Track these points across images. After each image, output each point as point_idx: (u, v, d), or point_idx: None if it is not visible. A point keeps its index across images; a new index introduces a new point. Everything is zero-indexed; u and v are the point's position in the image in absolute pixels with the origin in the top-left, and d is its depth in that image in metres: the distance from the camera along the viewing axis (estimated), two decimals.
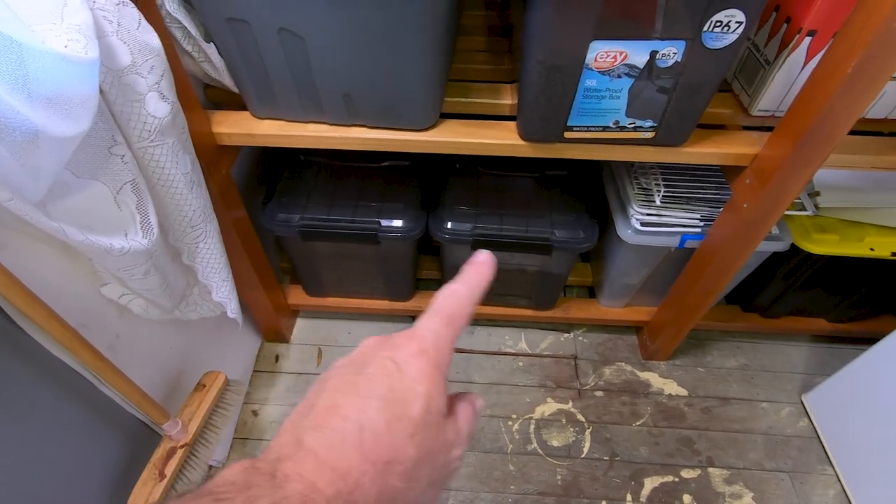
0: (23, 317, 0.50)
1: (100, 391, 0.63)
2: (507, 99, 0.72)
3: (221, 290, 0.72)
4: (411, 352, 0.24)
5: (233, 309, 0.74)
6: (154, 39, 0.52)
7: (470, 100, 0.73)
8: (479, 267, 0.27)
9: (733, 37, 0.55)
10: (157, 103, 0.54)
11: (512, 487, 0.89)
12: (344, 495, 0.20)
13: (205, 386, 0.73)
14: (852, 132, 0.70)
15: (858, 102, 0.56)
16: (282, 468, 0.20)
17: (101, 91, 0.49)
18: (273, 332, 1.05)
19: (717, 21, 0.54)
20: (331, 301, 1.06)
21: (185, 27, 0.60)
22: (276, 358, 1.05)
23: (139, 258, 0.53)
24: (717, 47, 0.56)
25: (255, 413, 0.96)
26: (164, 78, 0.54)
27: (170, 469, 0.65)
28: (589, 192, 0.92)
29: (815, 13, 0.60)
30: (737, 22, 0.54)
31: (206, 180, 0.69)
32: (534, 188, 0.92)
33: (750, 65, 0.71)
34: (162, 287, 0.61)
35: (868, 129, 0.72)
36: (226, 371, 0.80)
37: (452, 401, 0.26)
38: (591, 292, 1.12)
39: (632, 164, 0.88)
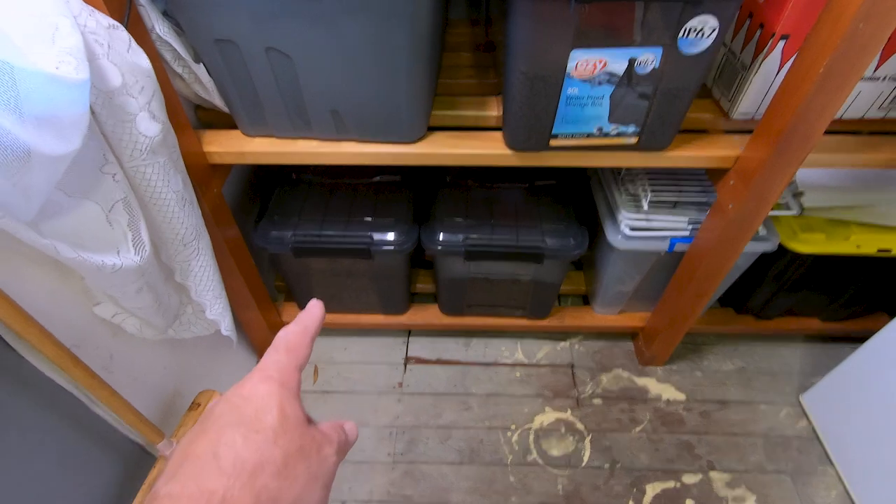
0: (13, 335, 0.50)
1: (93, 412, 0.62)
2: (493, 111, 0.73)
3: (215, 307, 0.72)
4: (255, 381, 0.26)
5: (227, 326, 0.74)
6: (144, 61, 0.53)
7: (457, 112, 0.74)
8: (310, 309, 0.31)
9: (708, 42, 0.57)
10: (148, 123, 0.55)
11: (513, 499, 0.88)
12: None
13: (199, 405, 0.73)
14: (831, 132, 0.72)
15: (832, 102, 0.58)
16: None
17: (93, 111, 0.49)
18: None
19: (691, 27, 0.55)
20: (326, 318, 1.06)
21: (175, 49, 0.61)
22: None
23: (131, 275, 0.54)
24: (694, 53, 0.58)
25: None
26: (154, 98, 0.55)
27: None
28: (578, 200, 0.94)
29: (786, 18, 0.62)
30: (710, 28, 0.55)
31: (197, 199, 0.70)
32: (523, 198, 0.93)
33: (728, 70, 0.73)
34: (155, 305, 0.61)
35: (847, 130, 0.73)
36: (221, 391, 0.79)
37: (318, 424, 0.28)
38: (586, 300, 1.12)
39: (619, 171, 0.90)
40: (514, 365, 1.06)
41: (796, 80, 0.59)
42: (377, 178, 0.97)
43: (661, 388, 1.02)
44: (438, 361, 1.07)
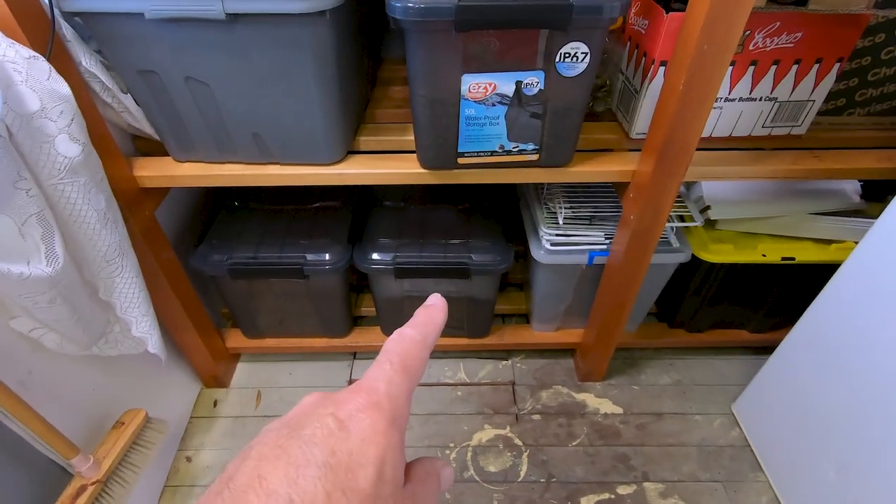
0: None
1: (7, 428, 0.63)
2: (413, 135, 0.79)
3: (141, 324, 0.74)
4: (359, 405, 0.20)
5: (154, 344, 0.76)
6: (64, 87, 0.58)
7: (380, 138, 0.80)
8: (429, 310, 0.25)
9: (583, 66, 0.63)
10: (68, 144, 0.59)
11: None
12: None
13: (123, 423, 0.74)
14: (725, 149, 0.78)
15: (697, 116, 0.64)
16: None
17: (10, 132, 0.54)
18: (212, 377, 1.06)
19: (565, 53, 0.62)
20: (270, 342, 1.08)
21: (103, 81, 0.66)
22: (215, 403, 1.05)
23: (42, 285, 0.56)
24: (572, 75, 0.64)
25: (188, 459, 0.95)
26: (74, 122, 0.59)
27: None
28: (508, 220, 0.99)
29: (661, 46, 0.69)
30: (582, 53, 0.62)
31: (127, 220, 0.73)
32: (455, 219, 0.98)
33: (626, 95, 0.80)
34: (73, 319, 0.63)
35: (743, 146, 0.79)
36: (159, 414, 0.80)
37: (410, 467, 0.22)
38: (528, 320, 1.15)
39: (541, 189, 0.95)
40: (455, 384, 1.08)
41: (665, 97, 0.65)
42: (317, 204, 1.01)
43: (599, 402, 1.04)
44: None
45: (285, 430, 0.19)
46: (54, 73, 0.57)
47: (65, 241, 0.61)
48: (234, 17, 0.57)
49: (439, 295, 0.25)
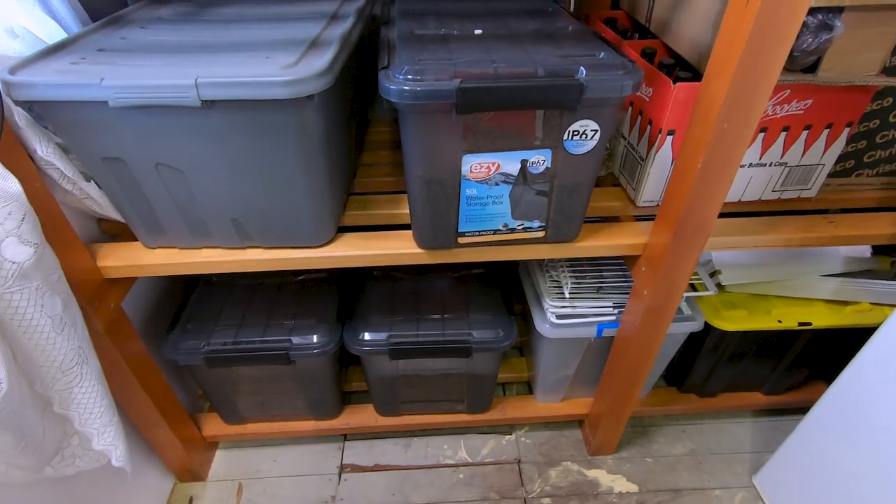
0: None
1: None
2: (407, 208, 0.73)
3: (104, 436, 0.65)
4: None
5: (119, 457, 0.66)
6: (13, 185, 0.50)
7: (370, 212, 0.74)
8: None
9: (592, 143, 0.59)
10: (16, 248, 0.51)
11: None
12: None
13: None
14: (735, 214, 0.75)
15: (716, 192, 0.60)
16: None
17: None
18: (186, 471, 0.95)
19: (574, 131, 0.57)
20: (251, 428, 0.98)
21: (61, 169, 0.59)
22: (190, 501, 0.94)
23: None
24: (581, 153, 0.59)
25: None
26: (25, 221, 0.52)
27: None
28: (508, 287, 0.93)
29: (669, 116, 0.65)
30: (592, 130, 0.58)
31: (90, 316, 0.65)
32: (451, 288, 0.92)
33: (629, 161, 0.76)
34: (18, 446, 0.54)
35: (751, 211, 0.76)
36: None
37: None
38: (531, 388, 1.09)
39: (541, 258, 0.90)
40: (457, 465, 0.99)
41: (681, 173, 0.61)
42: (302, 277, 0.94)
43: (612, 479, 0.97)
44: (376, 468, 0.99)
45: None
46: (2, 170, 0.50)
47: (13, 354, 0.53)
48: (210, 104, 0.51)
49: None
